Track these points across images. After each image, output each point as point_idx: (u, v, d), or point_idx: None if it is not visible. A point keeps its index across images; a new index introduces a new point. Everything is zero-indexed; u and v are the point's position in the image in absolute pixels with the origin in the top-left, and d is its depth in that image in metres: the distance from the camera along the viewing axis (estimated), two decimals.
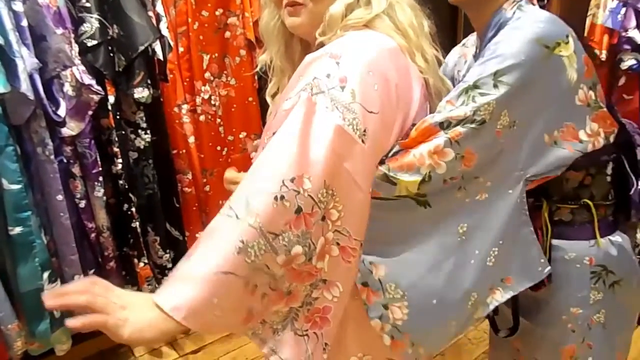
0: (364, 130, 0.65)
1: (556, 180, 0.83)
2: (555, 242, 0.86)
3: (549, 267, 0.80)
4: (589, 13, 1.81)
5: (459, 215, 0.75)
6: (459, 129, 0.72)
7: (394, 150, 0.72)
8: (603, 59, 1.81)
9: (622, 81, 1.84)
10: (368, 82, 0.67)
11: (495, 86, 0.73)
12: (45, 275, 1.48)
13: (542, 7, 3.15)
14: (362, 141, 0.65)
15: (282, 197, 0.61)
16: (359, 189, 0.67)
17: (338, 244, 0.67)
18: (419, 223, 0.74)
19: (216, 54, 1.95)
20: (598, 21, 1.77)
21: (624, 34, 1.70)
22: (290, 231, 0.62)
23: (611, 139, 0.84)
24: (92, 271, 1.65)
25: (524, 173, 0.77)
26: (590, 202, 0.86)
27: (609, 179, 0.89)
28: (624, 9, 1.68)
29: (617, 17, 1.71)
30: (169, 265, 1.80)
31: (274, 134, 0.66)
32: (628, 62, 1.73)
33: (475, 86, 0.74)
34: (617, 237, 0.89)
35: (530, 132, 0.77)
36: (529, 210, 0.79)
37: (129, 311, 0.59)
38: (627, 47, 1.71)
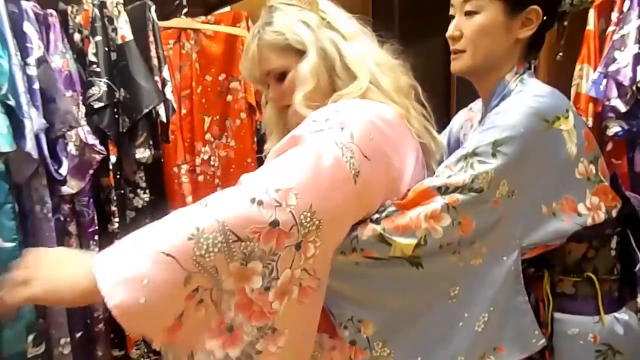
0: (358, 172, 0.64)
1: (558, 251, 0.82)
2: (557, 315, 0.84)
3: (543, 340, 0.78)
4: (573, 83, 1.91)
5: (451, 278, 0.74)
6: (457, 196, 0.72)
7: (389, 209, 0.71)
8: (590, 126, 1.88)
9: (609, 146, 1.90)
10: (365, 129, 0.68)
11: (493, 155, 0.74)
12: (30, 338, 1.42)
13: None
14: (355, 182, 0.64)
15: (260, 202, 0.57)
16: (341, 229, 0.66)
17: (300, 284, 0.62)
18: (410, 283, 0.73)
19: (217, 116, 2.02)
20: (582, 91, 1.87)
21: (607, 103, 1.78)
22: (256, 242, 0.56)
23: (613, 214, 0.83)
24: (80, 334, 1.59)
25: (520, 242, 0.77)
26: (593, 276, 0.84)
27: (613, 253, 0.87)
28: (605, 80, 1.77)
29: (599, 87, 1.80)
30: None
31: None
32: (613, 128, 1.80)
33: (474, 153, 0.75)
34: (624, 315, 0.85)
35: (528, 202, 0.77)
36: (530, 280, 0.78)
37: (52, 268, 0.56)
38: (611, 114, 1.79)
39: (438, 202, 0.72)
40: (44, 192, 1.43)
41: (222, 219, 0.56)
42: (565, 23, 1.12)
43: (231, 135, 2.05)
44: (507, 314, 0.76)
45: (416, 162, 0.77)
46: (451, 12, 0.89)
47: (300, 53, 0.79)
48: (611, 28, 1.77)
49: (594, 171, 0.82)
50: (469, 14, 0.85)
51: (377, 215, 0.71)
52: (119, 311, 0.53)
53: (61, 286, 0.55)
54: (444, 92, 2.50)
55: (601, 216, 0.81)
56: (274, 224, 0.57)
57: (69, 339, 1.53)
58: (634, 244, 0.86)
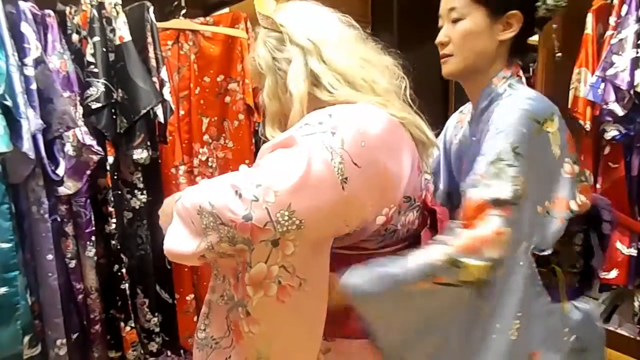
0: (346, 178, 0.65)
1: None
2: None
3: (574, 336, 0.80)
4: (571, 86, 1.91)
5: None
6: (510, 207, 0.74)
7: (450, 229, 0.73)
8: (588, 130, 1.89)
9: (607, 150, 1.91)
10: (357, 136, 0.68)
11: (516, 157, 0.77)
12: (26, 339, 1.42)
13: (527, 78, 3.34)
14: (343, 188, 0.64)
15: (240, 195, 0.62)
16: (328, 232, 0.67)
17: (279, 282, 0.64)
18: (467, 306, 0.73)
19: (215, 118, 2.02)
20: (580, 94, 1.87)
21: (605, 106, 1.78)
22: (235, 230, 0.62)
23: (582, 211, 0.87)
24: (76, 335, 1.59)
25: (529, 244, 0.78)
26: (557, 268, 0.88)
27: (578, 249, 0.92)
28: (602, 84, 1.78)
29: (597, 91, 1.80)
30: (157, 330, 1.73)
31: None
32: (611, 132, 1.80)
33: (499, 159, 0.77)
34: (584, 304, 0.89)
35: (531, 203, 0.79)
36: None
37: None
38: (609, 118, 1.79)
39: (496, 217, 0.73)
40: (40, 193, 1.43)
41: (212, 202, 0.64)
42: (555, 26, 1.14)
43: (229, 137, 2.05)
44: (534, 318, 0.78)
45: (412, 167, 0.77)
46: (440, 23, 0.94)
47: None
48: (609, 32, 1.78)
49: (577, 170, 0.86)
50: (454, 21, 0.90)
51: (444, 237, 0.72)
52: (166, 252, 0.72)
53: None
54: (442, 95, 2.51)
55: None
56: (247, 218, 0.61)
57: (65, 340, 1.52)
58: (596, 242, 0.91)
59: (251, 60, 0.85)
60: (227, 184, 0.64)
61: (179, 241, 0.69)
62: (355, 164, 0.66)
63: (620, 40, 1.72)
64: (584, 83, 1.87)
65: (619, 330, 2.01)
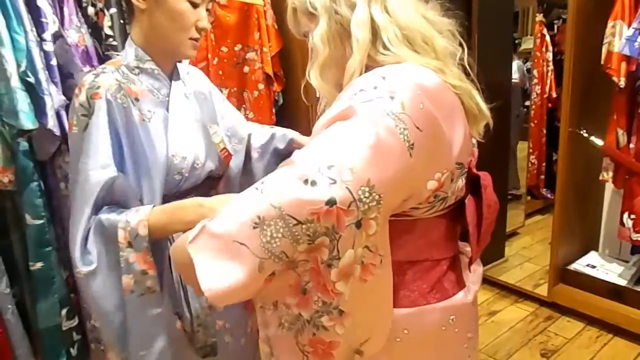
0: (412, 144, 0.60)
1: None
2: None
3: None
4: (604, 41, 1.82)
5: None
6: None
7: None
8: (622, 86, 1.80)
9: None
10: (415, 98, 0.63)
11: None
12: (64, 311, 1.46)
13: (552, 36, 3.18)
14: (410, 155, 0.60)
15: (314, 182, 0.54)
16: (397, 204, 0.63)
17: (362, 262, 0.60)
18: None
19: (235, 88, 1.99)
20: (615, 49, 1.78)
21: None
22: (317, 223, 0.54)
23: None
24: None
25: None
26: None
27: None
28: None
29: (634, 45, 1.71)
30: None
31: None
32: None
33: None
34: None
35: None
36: None
37: None
38: None
39: None
40: (67, 169, 1.44)
41: (277, 204, 0.55)
42: None
43: (249, 107, 2.02)
44: None
45: (464, 132, 0.72)
46: None
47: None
48: None
49: None
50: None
51: None
52: (209, 295, 0.56)
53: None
54: None
55: None
56: (331, 202, 0.54)
57: None
58: None
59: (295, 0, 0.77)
60: (289, 177, 0.56)
61: (226, 275, 0.56)
62: (418, 128, 0.62)
63: None
64: (619, 37, 1.77)
65: None
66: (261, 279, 0.58)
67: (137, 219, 0.85)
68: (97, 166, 0.87)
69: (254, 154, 1.22)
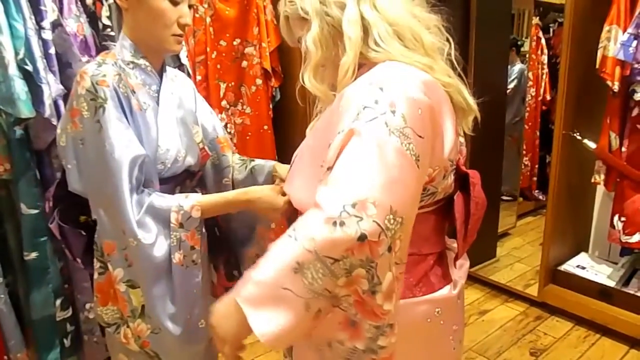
0: (418, 156, 0.63)
1: None
2: None
3: None
4: (600, 45, 1.84)
5: None
6: None
7: None
8: (616, 90, 1.83)
9: (635, 112, 1.85)
10: (413, 106, 0.65)
11: None
12: (58, 302, 1.46)
13: (548, 39, 3.20)
14: (418, 166, 0.63)
15: (342, 223, 0.57)
16: (414, 213, 0.65)
17: (397, 277, 0.64)
18: None
19: (233, 83, 1.99)
20: (609, 53, 1.80)
21: (636, 65, 1.72)
22: (352, 257, 0.58)
23: None
24: None
25: None
26: None
27: None
28: (635, 42, 1.70)
29: (628, 50, 1.73)
30: None
31: (329, 169, 0.64)
32: None
33: None
34: None
35: None
36: None
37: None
38: (639, 78, 1.73)
39: None
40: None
41: (312, 249, 0.58)
42: None
43: (247, 102, 2.02)
44: None
45: (454, 129, 0.74)
46: None
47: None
48: None
49: None
50: None
51: None
52: (265, 340, 0.61)
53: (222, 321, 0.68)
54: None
55: None
56: (362, 238, 0.57)
57: (94, 304, 1.56)
58: None
59: (287, 5, 0.79)
60: (317, 222, 0.59)
61: (276, 319, 0.60)
62: (420, 136, 0.64)
63: None
64: (614, 41, 1.80)
65: (638, 294, 2.02)
66: (309, 317, 0.61)
67: (189, 203, 0.96)
68: (122, 145, 0.91)
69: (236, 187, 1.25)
